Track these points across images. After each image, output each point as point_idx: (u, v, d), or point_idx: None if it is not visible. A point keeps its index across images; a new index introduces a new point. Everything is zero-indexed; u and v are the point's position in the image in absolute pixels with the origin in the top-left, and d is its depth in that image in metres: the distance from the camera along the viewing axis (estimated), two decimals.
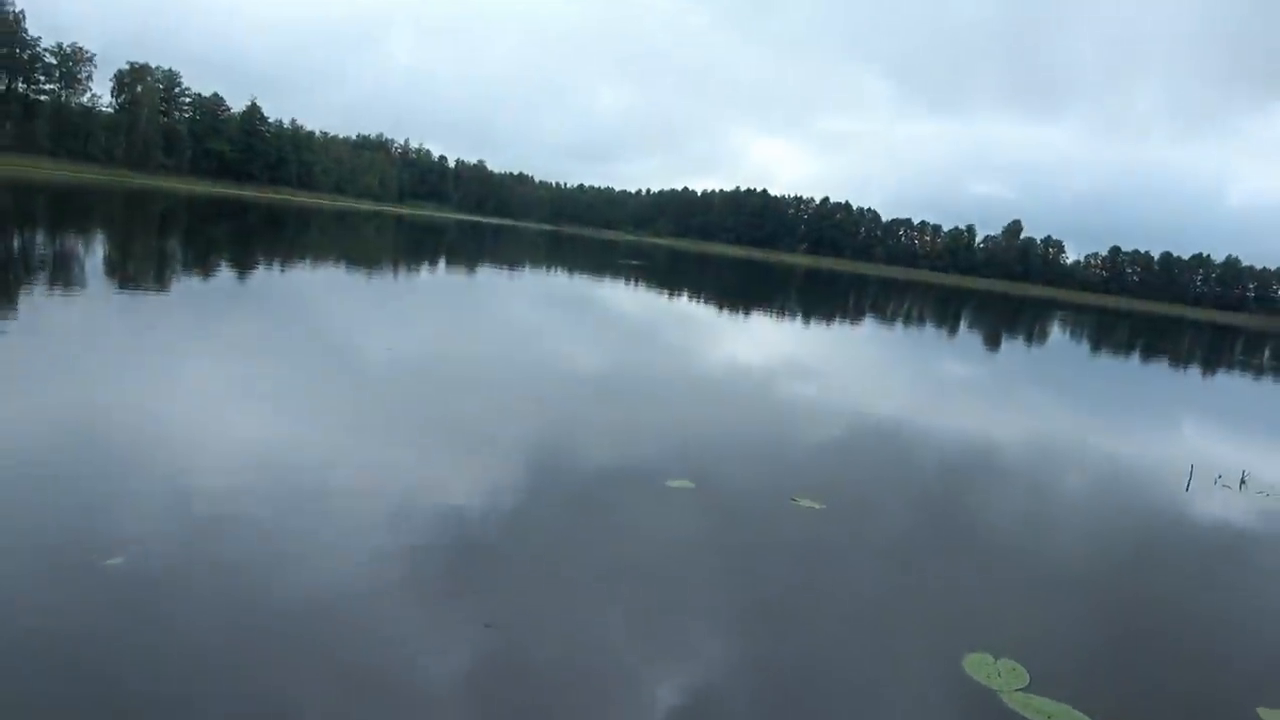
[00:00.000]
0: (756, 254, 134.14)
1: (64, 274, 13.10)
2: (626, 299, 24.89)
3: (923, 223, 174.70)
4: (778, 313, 27.60)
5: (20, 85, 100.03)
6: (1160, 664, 4.29)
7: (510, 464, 6.20)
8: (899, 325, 29.02)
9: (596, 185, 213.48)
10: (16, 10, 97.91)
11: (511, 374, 9.92)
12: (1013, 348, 26.47)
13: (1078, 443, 10.52)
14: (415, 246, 41.11)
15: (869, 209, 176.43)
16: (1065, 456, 9.51)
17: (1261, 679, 4.14)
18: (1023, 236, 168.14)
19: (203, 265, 17.64)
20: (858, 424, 9.67)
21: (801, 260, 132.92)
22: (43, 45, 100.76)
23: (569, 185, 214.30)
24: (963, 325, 33.79)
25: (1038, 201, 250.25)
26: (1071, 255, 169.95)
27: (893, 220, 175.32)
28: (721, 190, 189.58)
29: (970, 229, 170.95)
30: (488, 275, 27.30)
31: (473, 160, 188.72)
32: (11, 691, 2.88)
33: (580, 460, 6.62)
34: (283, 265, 20.40)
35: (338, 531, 4.39)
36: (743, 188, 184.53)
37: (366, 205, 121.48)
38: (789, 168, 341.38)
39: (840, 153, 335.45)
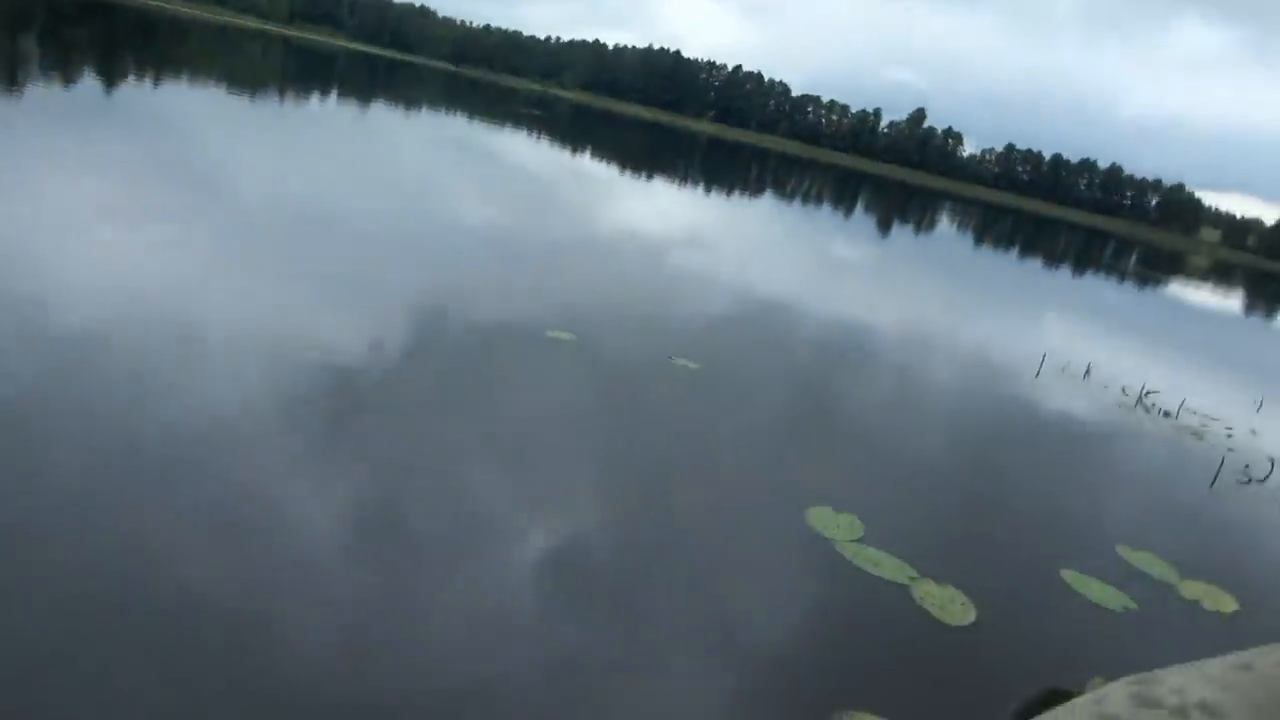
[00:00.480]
0: (663, 117, 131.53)
1: None
2: (523, 151, 24.19)
3: (831, 102, 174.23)
4: (678, 180, 27.41)
5: None
6: (983, 526, 4.71)
7: (389, 311, 6.09)
8: (796, 202, 29.35)
9: (504, 28, 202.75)
10: None
11: (396, 221, 9.63)
12: (901, 234, 27.25)
13: (946, 328, 11.07)
14: (303, 74, 38.47)
15: (780, 81, 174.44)
16: (931, 340, 10.01)
17: (1069, 546, 4.60)
18: (925, 125, 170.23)
19: (62, 71, 16.07)
20: (744, 295, 9.87)
21: (707, 128, 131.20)
22: None
23: (474, 24, 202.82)
24: (858, 208, 34.43)
25: (945, 92, 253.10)
26: (969, 149, 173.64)
27: (803, 96, 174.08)
28: (634, 47, 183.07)
29: (877, 113, 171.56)
30: (379, 113, 25.93)
31: None
32: None
33: (461, 310, 6.56)
34: (154, 81, 18.80)
35: (203, 377, 4.25)
36: (656, 46, 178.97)
37: (251, 22, 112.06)
38: (705, 31, 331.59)
39: (760, 21, 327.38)
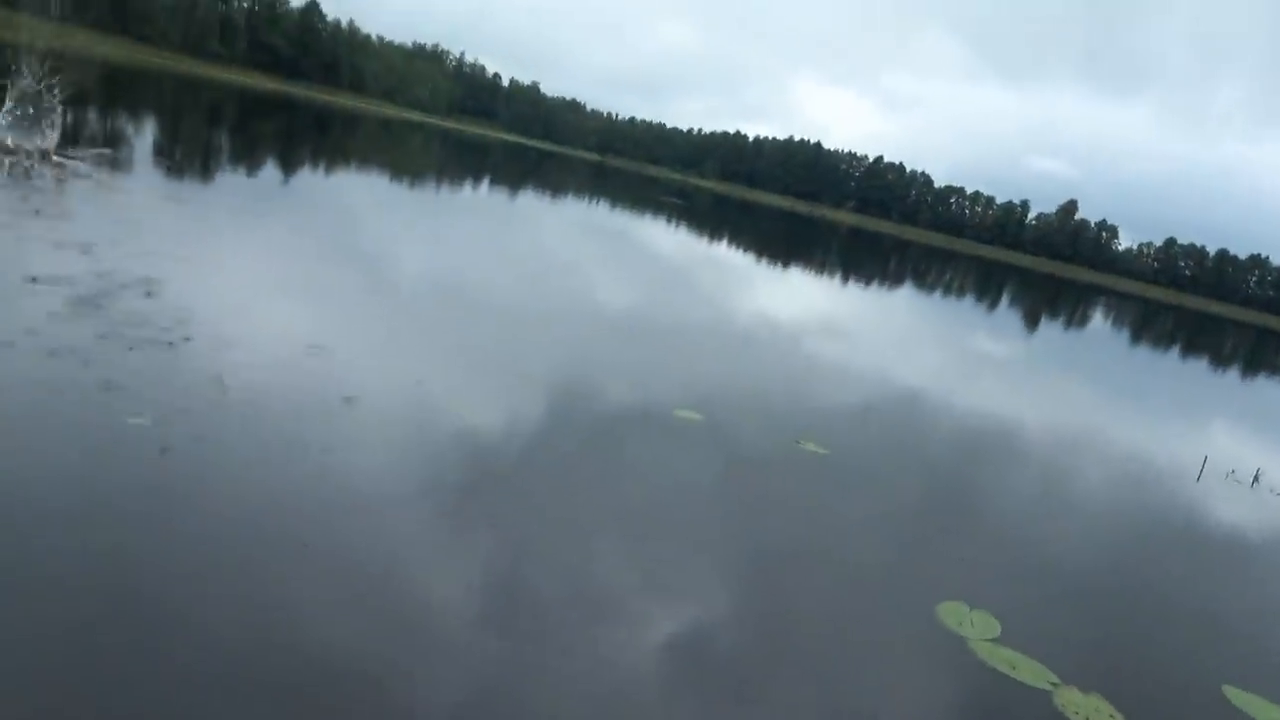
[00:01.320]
0: (802, 207, 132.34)
1: (111, 154, 13.26)
2: (662, 237, 24.79)
3: (976, 193, 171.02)
4: (816, 268, 27.37)
5: None
6: (1135, 633, 4.36)
7: (524, 387, 6.30)
8: (937, 294, 28.70)
9: (647, 119, 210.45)
10: None
11: (536, 301, 10.02)
12: (1050, 329, 26.11)
13: (1098, 427, 10.46)
14: (459, 162, 41.00)
15: (922, 172, 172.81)
16: (1082, 439, 9.48)
17: (1232, 660, 4.20)
18: (1077, 218, 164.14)
19: (249, 160, 17.76)
20: (877, 384, 9.67)
21: (847, 218, 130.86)
22: None
23: (619, 117, 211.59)
24: (1003, 301, 33.32)
25: (1097, 183, 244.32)
26: (1124, 242, 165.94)
27: (945, 187, 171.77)
28: (774, 138, 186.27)
29: (1025, 204, 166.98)
30: (527, 199, 27.24)
31: (527, 81, 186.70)
32: (12, 540, 3.04)
33: (593, 388, 6.72)
34: (326, 168, 20.48)
35: (349, 444, 4.51)
36: (796, 138, 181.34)
37: (415, 115, 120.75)
38: (846, 123, 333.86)
39: (901, 113, 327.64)
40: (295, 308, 6.78)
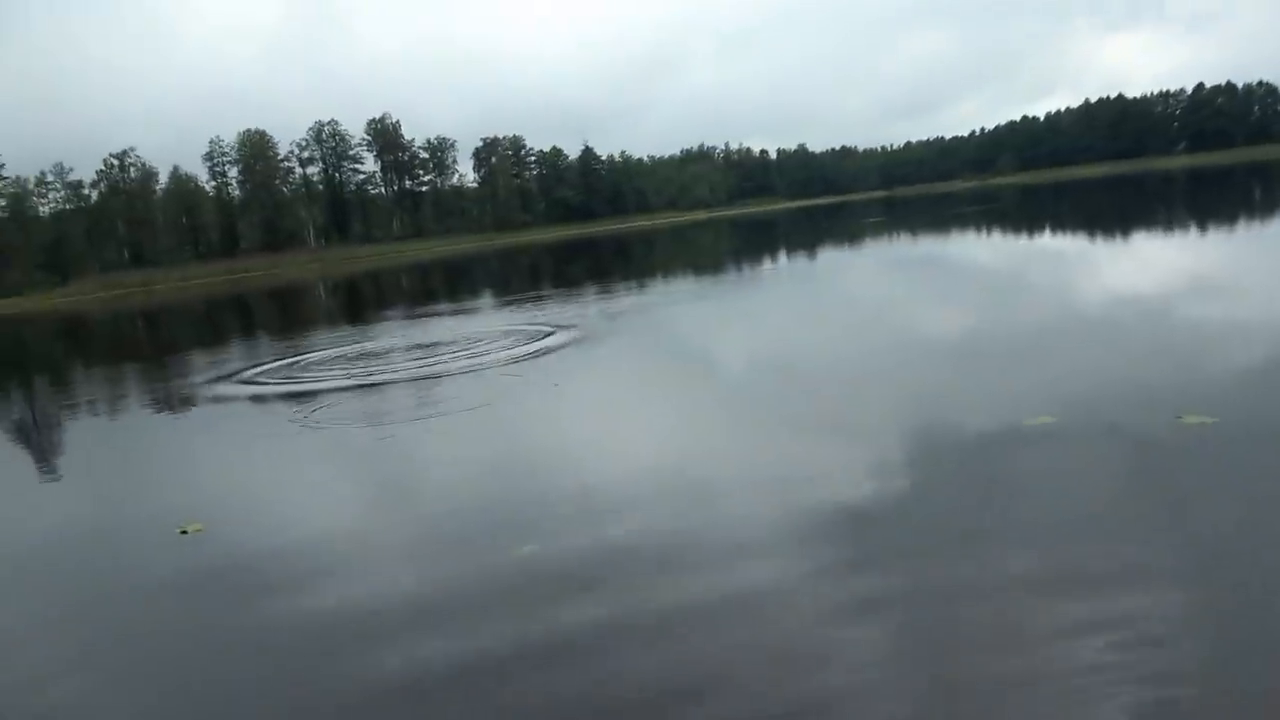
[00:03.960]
0: (1123, 167, 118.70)
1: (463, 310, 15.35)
2: (973, 247, 23.54)
3: None
4: (1159, 228, 24.32)
5: (406, 182, 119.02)
6: None
7: (875, 444, 6.25)
8: None
9: (925, 139, 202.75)
10: (394, 120, 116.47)
11: (861, 352, 9.95)
12: None
13: None
14: (749, 244, 42.19)
15: (1261, 83, 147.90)
16: None
17: None
18: None
19: (574, 292, 19.63)
20: (1268, 340, 8.27)
21: (1180, 162, 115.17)
22: (417, 144, 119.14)
23: (895, 147, 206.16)
24: None
25: None
26: None
27: None
28: (1068, 108, 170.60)
29: None
30: (827, 257, 27.28)
31: (792, 147, 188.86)
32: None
33: (937, 413, 6.47)
34: (639, 284, 22.07)
35: (729, 519, 4.78)
36: (1092, 99, 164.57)
37: (700, 214, 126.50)
38: (1144, 65, 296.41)
39: (1206, 31, 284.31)
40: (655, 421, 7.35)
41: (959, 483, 4.96)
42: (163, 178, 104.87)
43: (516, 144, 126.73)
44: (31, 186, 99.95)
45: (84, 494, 7.25)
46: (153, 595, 4.64)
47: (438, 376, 10.39)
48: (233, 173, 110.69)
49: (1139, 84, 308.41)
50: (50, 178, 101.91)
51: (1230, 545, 3.85)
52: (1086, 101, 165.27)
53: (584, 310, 16.10)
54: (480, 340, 13.18)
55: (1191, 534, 3.99)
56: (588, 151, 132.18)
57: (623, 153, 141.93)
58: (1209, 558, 3.76)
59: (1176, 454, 5.03)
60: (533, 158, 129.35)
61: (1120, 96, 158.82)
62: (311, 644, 3.87)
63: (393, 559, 4.80)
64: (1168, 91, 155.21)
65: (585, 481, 5.74)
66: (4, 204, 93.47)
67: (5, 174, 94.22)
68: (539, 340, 12.39)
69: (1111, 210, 35.72)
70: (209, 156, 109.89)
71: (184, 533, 5.47)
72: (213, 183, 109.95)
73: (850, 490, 5.00)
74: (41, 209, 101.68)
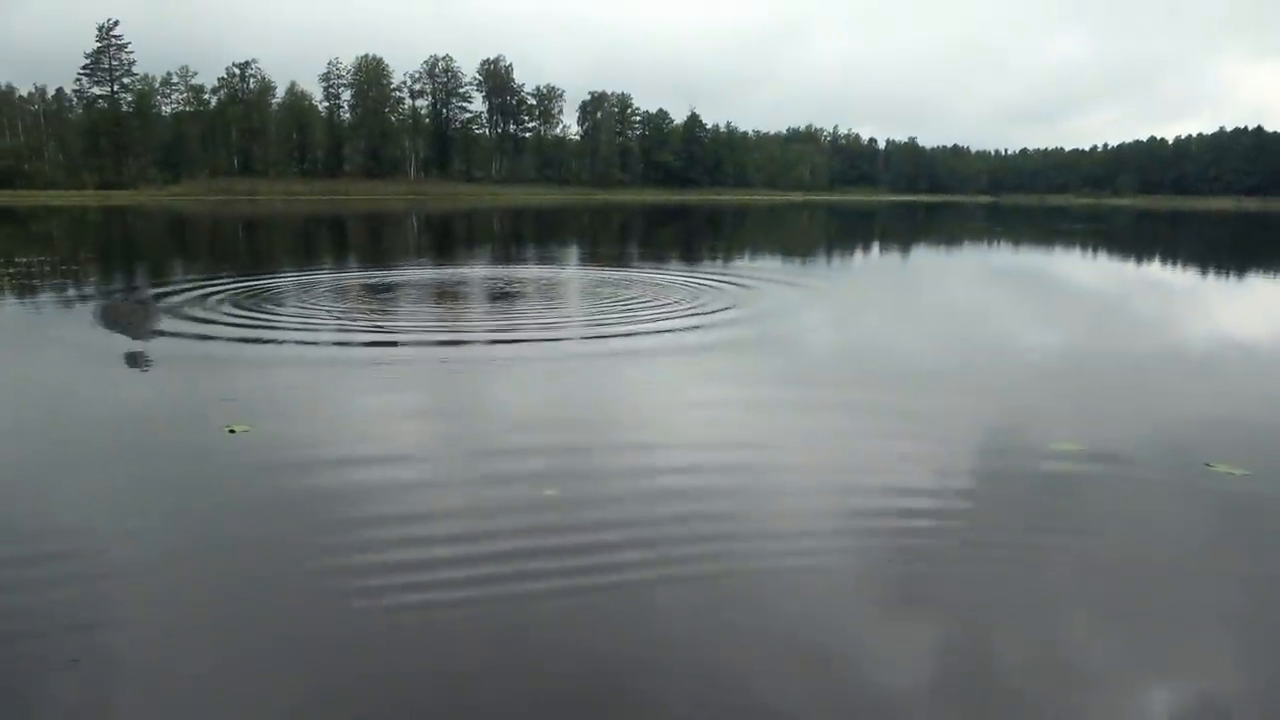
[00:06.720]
0: (1251, 204, 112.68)
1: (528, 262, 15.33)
2: (1080, 269, 22.59)
3: None
4: (1269, 271, 22.94)
5: (511, 126, 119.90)
6: None
7: (961, 452, 5.98)
8: None
9: (1041, 147, 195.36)
10: (506, 64, 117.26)
11: (951, 355, 9.59)
12: None
13: None
14: (844, 233, 41.35)
15: None
16: None
17: None
18: None
19: (658, 258, 19.48)
20: None
21: None
22: (526, 90, 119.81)
23: (1008, 152, 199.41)
24: None
25: None
26: None
27: None
28: (1200, 134, 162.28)
29: None
30: (921, 257, 26.52)
31: (903, 139, 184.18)
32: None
33: (961, 435, 6.15)
34: (724, 258, 21.80)
35: (792, 519, 4.62)
36: (1228, 128, 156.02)
37: (797, 196, 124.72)
38: None
39: None
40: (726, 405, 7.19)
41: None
42: (279, 92, 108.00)
43: (623, 102, 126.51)
44: (157, 85, 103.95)
45: (162, 383, 7.42)
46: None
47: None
48: (345, 96, 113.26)
49: (1277, 118, 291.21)
50: (175, 79, 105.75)
51: None
52: (1221, 129, 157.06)
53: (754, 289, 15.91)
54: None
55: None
56: (693, 118, 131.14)
57: (729, 123, 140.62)
58: None
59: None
60: (638, 118, 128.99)
61: (1260, 129, 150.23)
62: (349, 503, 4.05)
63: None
64: None
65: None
66: (131, 99, 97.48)
67: (135, 70, 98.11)
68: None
69: (1231, 253, 33.82)
70: (325, 77, 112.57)
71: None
72: (325, 103, 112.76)
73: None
74: (164, 108, 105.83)
